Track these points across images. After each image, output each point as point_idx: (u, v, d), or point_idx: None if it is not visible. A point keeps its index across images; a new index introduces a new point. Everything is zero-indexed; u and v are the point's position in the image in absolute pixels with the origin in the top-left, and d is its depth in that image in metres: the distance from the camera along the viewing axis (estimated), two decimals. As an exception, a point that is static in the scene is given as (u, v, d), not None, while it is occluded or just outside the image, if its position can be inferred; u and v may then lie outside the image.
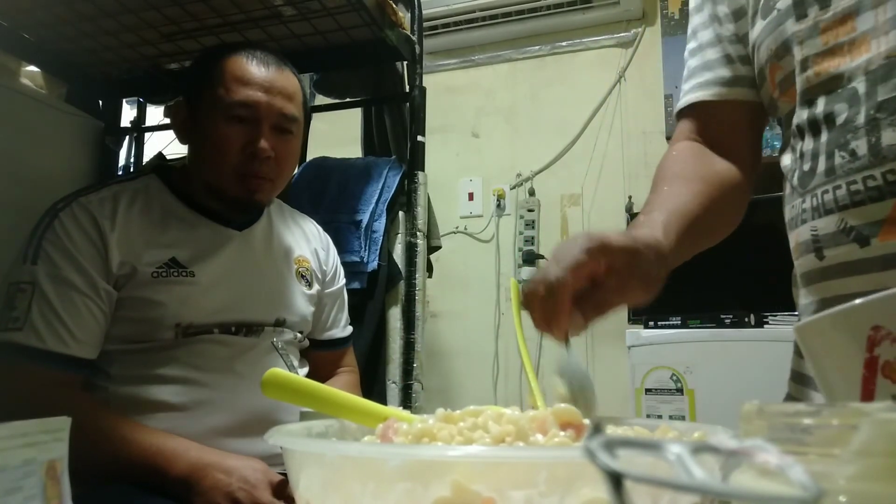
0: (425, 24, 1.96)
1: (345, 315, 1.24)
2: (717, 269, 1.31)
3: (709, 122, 0.80)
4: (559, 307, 0.53)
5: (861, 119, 0.60)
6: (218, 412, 0.94)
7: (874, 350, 0.40)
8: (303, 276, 1.12)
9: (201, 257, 1.00)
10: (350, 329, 1.25)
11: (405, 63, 1.58)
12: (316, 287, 1.15)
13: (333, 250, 1.24)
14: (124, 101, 1.72)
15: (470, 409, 0.39)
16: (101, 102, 1.64)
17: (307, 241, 1.18)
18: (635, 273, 0.56)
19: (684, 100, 0.82)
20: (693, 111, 0.81)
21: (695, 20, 0.82)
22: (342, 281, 1.24)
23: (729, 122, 0.79)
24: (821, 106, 0.65)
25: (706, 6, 0.80)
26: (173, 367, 0.93)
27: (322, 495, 0.35)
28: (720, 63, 0.78)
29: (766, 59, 0.71)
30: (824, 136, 0.64)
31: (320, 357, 1.18)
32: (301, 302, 1.10)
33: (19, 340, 0.87)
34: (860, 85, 0.61)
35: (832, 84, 0.63)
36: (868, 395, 0.40)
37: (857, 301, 0.42)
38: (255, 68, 1.00)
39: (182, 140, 1.06)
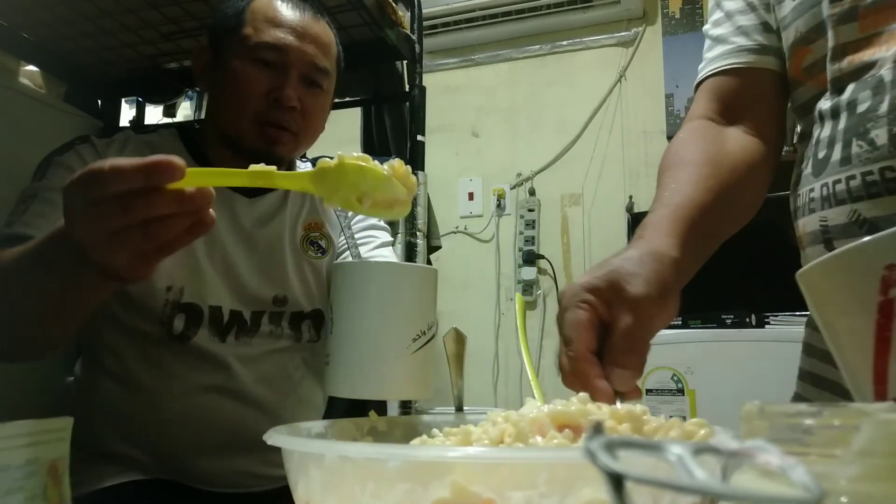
0: (425, 24, 1.96)
1: (383, 247, 1.05)
2: (718, 269, 1.30)
3: (734, 92, 0.75)
4: (585, 375, 0.50)
5: (884, 108, 0.58)
6: (199, 429, 0.89)
7: (889, 292, 0.35)
8: (312, 244, 1.02)
9: None
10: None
11: (405, 62, 1.58)
12: (332, 250, 1.03)
13: None
14: (123, 100, 1.72)
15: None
16: (100, 102, 1.63)
17: None
18: (632, 293, 0.51)
19: (712, 66, 0.77)
20: (719, 79, 0.76)
21: None
22: (377, 230, 1.08)
23: (757, 92, 0.75)
24: (847, 92, 0.62)
25: None
26: (159, 373, 0.89)
27: (321, 496, 0.35)
28: (756, 30, 0.75)
29: (792, 42, 0.69)
30: (842, 123, 0.62)
31: None
32: (304, 274, 0.99)
33: (6, 232, 0.79)
34: (887, 73, 0.59)
35: (862, 72, 0.61)
36: (883, 342, 0.36)
37: (868, 237, 0.37)
38: (289, 10, 0.93)
39: (202, 86, 1.00)
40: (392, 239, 1.11)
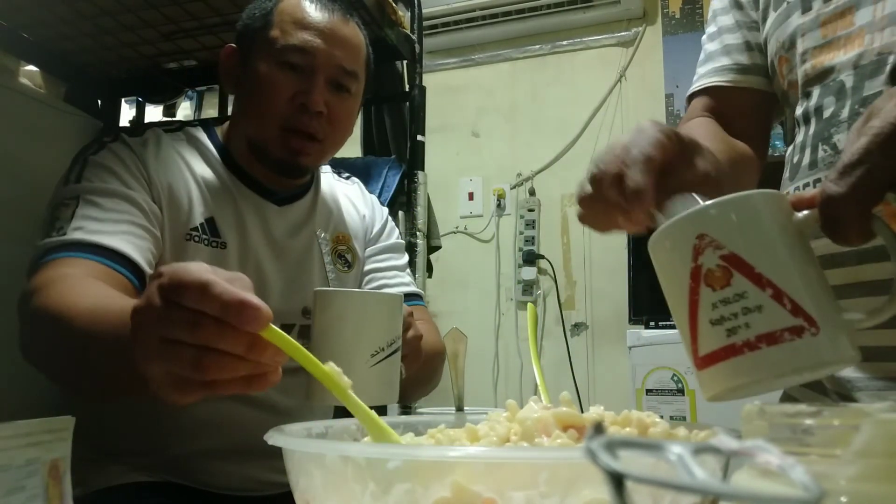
0: (425, 23, 1.96)
1: (401, 271, 1.07)
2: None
3: (720, 106, 0.80)
4: (644, 203, 0.47)
5: (845, 113, 0.61)
6: (214, 433, 0.89)
7: (698, 259, 0.41)
8: (341, 257, 1.01)
9: (235, 229, 0.91)
10: (413, 288, 1.07)
11: (405, 62, 1.58)
12: (357, 267, 1.03)
13: (379, 208, 1.12)
14: (123, 100, 1.72)
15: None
16: (100, 102, 1.63)
17: (354, 207, 1.07)
18: (701, 167, 0.52)
19: (698, 83, 0.82)
20: (706, 94, 0.81)
21: (715, 4, 0.82)
22: (394, 238, 1.10)
23: (740, 108, 0.79)
24: (814, 98, 0.66)
25: None
26: None
27: (322, 496, 0.35)
28: (738, 49, 0.79)
29: (774, 52, 0.72)
30: (812, 129, 0.66)
31: None
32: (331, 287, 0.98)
33: (63, 240, 0.77)
34: (848, 79, 0.62)
35: (825, 76, 0.65)
36: (694, 305, 0.41)
37: (687, 210, 0.42)
38: (317, 12, 0.90)
39: (229, 89, 0.98)
40: (407, 257, 1.12)
